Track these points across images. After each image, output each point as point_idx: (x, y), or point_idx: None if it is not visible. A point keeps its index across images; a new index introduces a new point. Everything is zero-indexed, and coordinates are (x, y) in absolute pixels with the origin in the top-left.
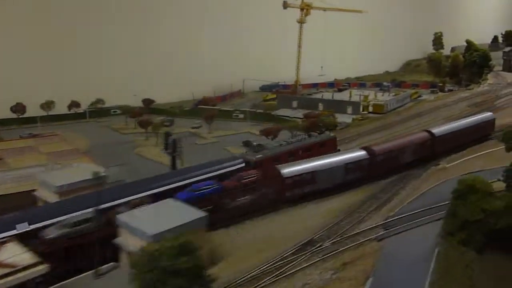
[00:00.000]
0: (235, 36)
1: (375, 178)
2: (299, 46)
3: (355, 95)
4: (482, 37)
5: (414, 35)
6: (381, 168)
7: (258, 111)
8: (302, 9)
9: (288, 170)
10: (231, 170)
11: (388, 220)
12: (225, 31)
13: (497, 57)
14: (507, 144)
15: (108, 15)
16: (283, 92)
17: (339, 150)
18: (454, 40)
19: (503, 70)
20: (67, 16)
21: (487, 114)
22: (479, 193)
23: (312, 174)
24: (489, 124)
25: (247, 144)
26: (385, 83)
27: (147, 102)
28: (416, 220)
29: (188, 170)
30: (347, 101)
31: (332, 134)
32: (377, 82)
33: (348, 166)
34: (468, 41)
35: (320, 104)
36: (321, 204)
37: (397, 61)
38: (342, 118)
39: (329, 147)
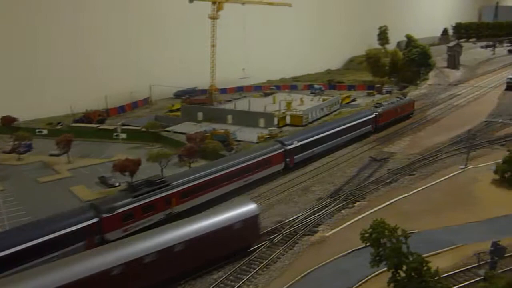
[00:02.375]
0: (138, 35)
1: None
2: (213, 46)
3: (281, 100)
4: (433, 29)
5: (358, 29)
6: None
7: (143, 129)
8: (213, 3)
9: None
10: (366, 120)
11: None
12: (124, 30)
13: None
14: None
15: None
16: (196, 100)
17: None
18: (401, 34)
19: (448, 66)
20: None
21: (239, 211)
22: None
23: None
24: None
25: (103, 181)
26: (316, 86)
27: (7, 120)
28: None
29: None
30: (259, 112)
31: (411, 98)
32: (310, 84)
33: None
34: (408, 36)
35: (229, 116)
36: None
37: (341, 57)
38: (250, 135)
39: (410, 107)
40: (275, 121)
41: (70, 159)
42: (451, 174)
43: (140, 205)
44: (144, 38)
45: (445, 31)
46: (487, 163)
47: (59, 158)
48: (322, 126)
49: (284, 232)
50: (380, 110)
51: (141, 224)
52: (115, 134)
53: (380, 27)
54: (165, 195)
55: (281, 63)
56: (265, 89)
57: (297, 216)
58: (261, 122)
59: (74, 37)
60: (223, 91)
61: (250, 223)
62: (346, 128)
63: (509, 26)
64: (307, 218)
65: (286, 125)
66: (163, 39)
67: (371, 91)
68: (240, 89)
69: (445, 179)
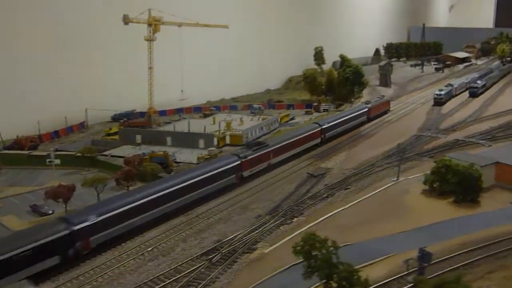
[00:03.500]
0: (72, 57)
1: None
2: (150, 68)
3: (221, 121)
4: (366, 49)
5: (296, 49)
6: None
7: (78, 154)
8: (149, 25)
9: None
10: (362, 112)
11: None
12: (58, 52)
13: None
14: None
15: None
16: (134, 123)
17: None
18: (336, 55)
19: (380, 84)
20: None
21: None
22: None
23: None
24: None
25: (35, 209)
26: (255, 105)
27: None
28: None
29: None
30: (198, 133)
31: (388, 99)
32: (249, 104)
33: None
34: (341, 56)
35: (168, 138)
36: None
37: (280, 77)
38: (190, 156)
39: (387, 105)
40: (215, 141)
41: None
42: (384, 187)
43: (256, 156)
44: (79, 61)
45: (377, 51)
46: (417, 175)
47: None
48: (338, 114)
49: (223, 251)
50: (369, 105)
51: (256, 169)
52: (48, 160)
53: (316, 48)
54: (267, 151)
55: (220, 84)
56: (205, 110)
57: (236, 234)
58: (201, 143)
59: (3, 59)
60: (162, 113)
61: None
62: (352, 116)
63: (435, 45)
64: (246, 236)
65: (226, 145)
66: (99, 62)
67: (309, 110)
68: (179, 111)
69: (378, 191)
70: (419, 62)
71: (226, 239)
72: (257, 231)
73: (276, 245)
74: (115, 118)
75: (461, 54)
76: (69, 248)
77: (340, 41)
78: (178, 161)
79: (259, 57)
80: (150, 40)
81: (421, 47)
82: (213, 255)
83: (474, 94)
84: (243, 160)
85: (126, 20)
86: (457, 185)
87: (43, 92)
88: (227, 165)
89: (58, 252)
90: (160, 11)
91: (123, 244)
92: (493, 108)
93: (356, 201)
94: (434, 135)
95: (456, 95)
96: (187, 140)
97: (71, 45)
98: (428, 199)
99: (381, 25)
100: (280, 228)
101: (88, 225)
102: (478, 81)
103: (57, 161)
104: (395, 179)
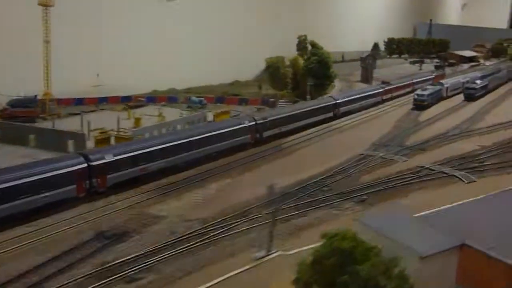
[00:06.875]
0: None
1: None
2: (47, 42)
3: (144, 115)
4: (364, 43)
5: (278, 37)
6: None
7: None
8: None
9: None
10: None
11: None
12: None
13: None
14: None
15: None
16: (19, 113)
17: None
18: (328, 46)
19: (361, 80)
20: None
21: None
22: None
23: None
24: None
25: None
26: (194, 98)
27: None
28: None
29: None
30: (68, 132)
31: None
32: (189, 97)
33: None
34: (312, 43)
35: (31, 136)
36: None
37: (254, 68)
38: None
39: (443, 77)
40: (92, 144)
41: None
42: (224, 276)
43: (387, 89)
44: None
45: (375, 46)
46: (311, 245)
47: None
48: (419, 76)
49: None
50: (434, 74)
51: (388, 97)
52: None
53: (299, 36)
54: (391, 88)
55: (174, 71)
56: (134, 100)
57: None
58: (70, 144)
59: None
60: (79, 101)
61: None
62: (426, 79)
63: (441, 43)
64: None
65: None
66: None
67: (262, 107)
68: (103, 100)
69: None
70: (418, 59)
71: None
72: None
73: None
74: (13, 105)
75: (467, 53)
76: (334, 111)
77: (333, 32)
78: None
79: (229, 43)
80: (45, 5)
81: (426, 44)
82: None
83: (470, 97)
84: (385, 88)
85: None
86: None
87: None
88: (376, 90)
89: (331, 111)
90: None
91: None
92: (490, 118)
93: None
94: (389, 157)
95: (448, 97)
96: (54, 140)
97: None
98: None
99: (384, 19)
100: None
101: (338, 102)
102: (478, 81)
103: None
104: (261, 254)
